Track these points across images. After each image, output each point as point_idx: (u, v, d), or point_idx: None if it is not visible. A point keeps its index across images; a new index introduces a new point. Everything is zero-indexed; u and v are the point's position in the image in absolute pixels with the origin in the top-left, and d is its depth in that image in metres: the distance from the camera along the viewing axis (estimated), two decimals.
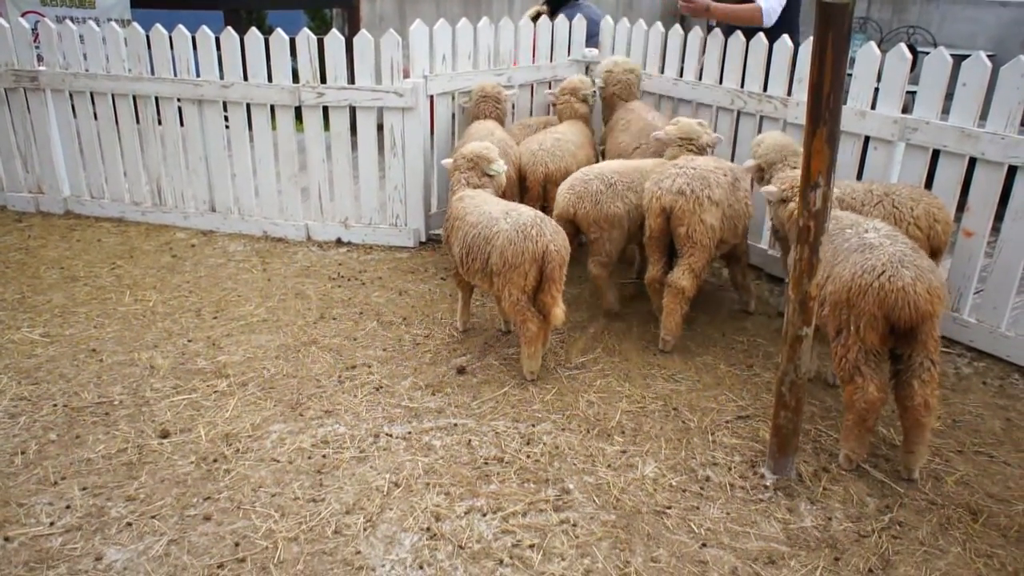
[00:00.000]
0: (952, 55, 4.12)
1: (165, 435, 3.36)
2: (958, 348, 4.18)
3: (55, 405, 3.57)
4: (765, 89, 4.92)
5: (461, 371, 3.88)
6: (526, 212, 3.75)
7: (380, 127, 5.23)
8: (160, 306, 4.56)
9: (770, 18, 5.18)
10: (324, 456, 3.25)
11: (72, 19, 7.35)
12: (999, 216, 4.02)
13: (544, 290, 3.66)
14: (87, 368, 3.88)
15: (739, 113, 5.07)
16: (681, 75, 5.44)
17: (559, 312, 3.67)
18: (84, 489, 3.03)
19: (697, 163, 4.10)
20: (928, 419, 3.00)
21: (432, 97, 5.24)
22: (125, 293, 4.71)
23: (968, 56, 4.03)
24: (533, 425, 3.46)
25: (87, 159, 5.88)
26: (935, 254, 3.86)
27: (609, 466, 3.20)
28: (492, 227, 3.71)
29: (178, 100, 5.47)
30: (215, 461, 3.21)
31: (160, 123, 5.60)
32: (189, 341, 4.17)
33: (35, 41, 5.70)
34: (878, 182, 4.12)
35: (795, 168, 3.93)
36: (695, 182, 3.96)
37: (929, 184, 4.24)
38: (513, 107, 5.72)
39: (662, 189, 4.00)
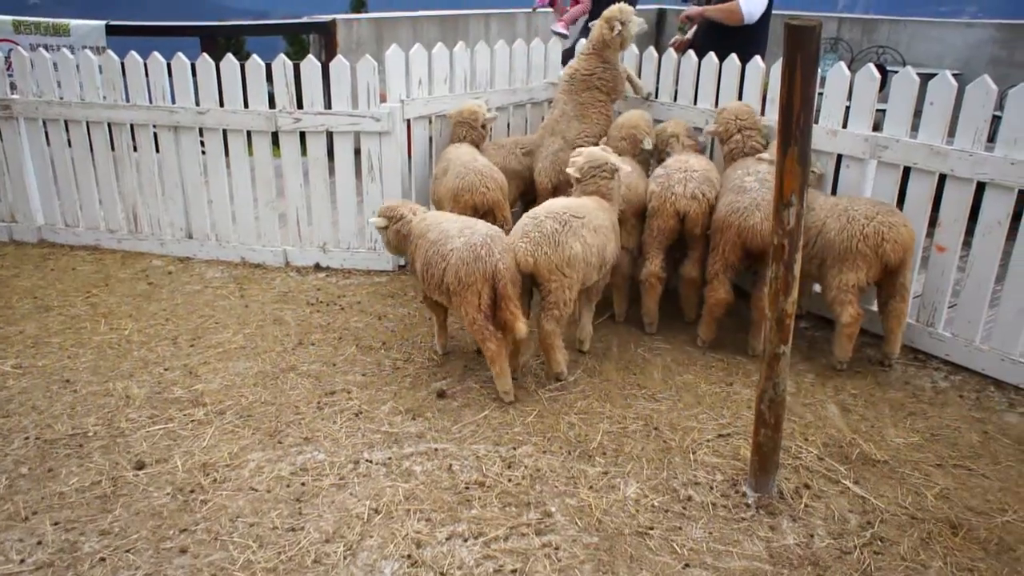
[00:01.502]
0: (920, 74, 4.20)
1: (140, 466, 3.31)
2: (935, 362, 4.22)
3: (27, 438, 3.50)
4: None
5: (441, 395, 3.86)
6: (480, 230, 3.78)
7: (358, 151, 5.23)
8: (136, 335, 4.50)
9: (751, 16, 5.37)
10: (303, 484, 3.21)
11: (46, 47, 7.31)
12: (970, 231, 4.07)
13: (501, 308, 3.67)
14: (60, 399, 3.81)
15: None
16: (656, 96, 5.50)
17: (521, 327, 3.65)
18: (56, 524, 2.97)
19: (693, 164, 4.43)
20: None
21: (409, 121, 5.25)
22: (100, 322, 4.65)
23: (935, 75, 4.11)
24: (514, 448, 3.44)
25: (61, 187, 5.83)
26: (892, 271, 3.94)
27: (591, 488, 3.18)
28: (447, 245, 3.74)
29: (153, 127, 5.45)
30: (192, 492, 3.16)
31: (135, 150, 5.57)
32: (165, 370, 4.11)
33: (8, 70, 5.67)
34: (850, 197, 4.19)
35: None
36: (704, 185, 4.31)
37: (901, 200, 4.30)
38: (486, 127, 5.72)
39: (676, 194, 4.28)
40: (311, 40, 8.77)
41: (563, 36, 6.90)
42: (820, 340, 4.51)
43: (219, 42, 8.44)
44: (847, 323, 3.99)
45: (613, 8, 5.25)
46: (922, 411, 3.79)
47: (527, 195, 5.61)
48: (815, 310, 4.77)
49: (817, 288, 4.66)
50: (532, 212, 3.93)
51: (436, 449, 3.44)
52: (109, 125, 5.53)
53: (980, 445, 3.52)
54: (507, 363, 3.76)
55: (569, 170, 4.22)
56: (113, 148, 5.62)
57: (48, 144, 5.73)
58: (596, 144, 5.07)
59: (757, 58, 4.90)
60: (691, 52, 5.24)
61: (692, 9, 5.71)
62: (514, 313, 3.66)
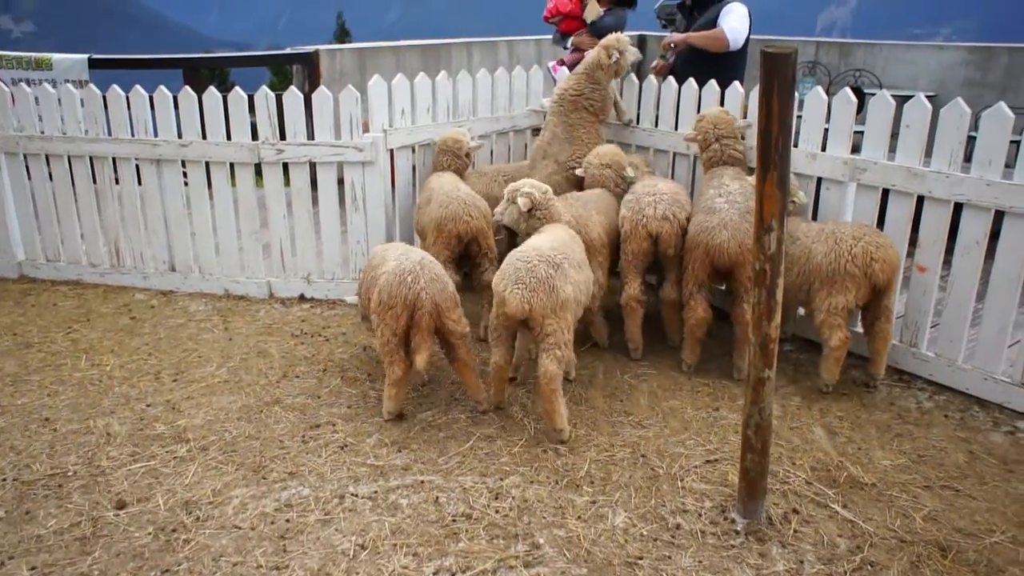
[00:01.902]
0: (896, 96, 4.27)
1: (121, 506, 3.25)
2: (919, 382, 4.23)
3: (4, 479, 3.44)
4: None
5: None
6: (414, 257, 3.85)
7: (341, 181, 5.24)
8: (117, 370, 4.45)
9: (736, 42, 5.44)
10: (288, 520, 3.16)
11: (28, 81, 7.30)
12: (950, 250, 4.11)
13: (412, 336, 3.71)
14: (39, 438, 3.75)
15: (695, 158, 5.16)
16: (637, 122, 5.55)
17: (420, 360, 3.68)
18: (33, 569, 2.90)
19: (661, 187, 4.46)
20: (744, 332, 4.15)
21: (392, 151, 5.26)
22: (81, 358, 4.60)
23: (911, 97, 4.17)
24: (501, 479, 3.41)
25: (42, 222, 5.79)
26: (880, 292, 3.98)
27: (579, 518, 3.15)
28: (380, 268, 3.88)
29: (135, 160, 5.44)
30: (174, 531, 3.10)
31: (117, 183, 5.55)
32: (148, 406, 4.06)
33: None
34: (834, 221, 4.23)
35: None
36: (674, 207, 4.36)
37: (881, 222, 4.34)
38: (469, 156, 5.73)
39: (647, 216, 4.31)
40: (294, 71, 8.80)
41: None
42: (805, 363, 4.52)
43: (202, 74, 8.44)
44: (836, 346, 4.00)
45: (611, 37, 5.36)
46: (908, 432, 3.79)
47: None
48: (800, 333, 4.79)
49: (801, 311, 4.68)
50: (521, 254, 3.74)
51: (422, 481, 3.40)
52: (91, 159, 5.51)
53: (966, 465, 3.53)
54: (404, 390, 3.88)
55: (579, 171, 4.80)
56: (95, 181, 5.60)
57: (29, 178, 5.70)
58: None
59: (736, 83, 4.96)
60: (671, 78, 5.30)
61: (674, 36, 5.76)
62: (419, 344, 3.69)
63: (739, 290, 4.23)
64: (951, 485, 3.38)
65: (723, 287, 4.60)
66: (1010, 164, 3.84)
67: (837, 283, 3.98)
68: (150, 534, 3.08)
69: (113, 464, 3.55)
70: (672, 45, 5.78)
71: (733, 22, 5.41)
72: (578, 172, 5.10)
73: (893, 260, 3.96)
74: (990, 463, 3.54)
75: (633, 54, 5.33)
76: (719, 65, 5.34)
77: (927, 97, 4.37)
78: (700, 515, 3.17)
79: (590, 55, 5.41)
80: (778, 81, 2.66)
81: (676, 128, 5.26)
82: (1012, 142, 3.89)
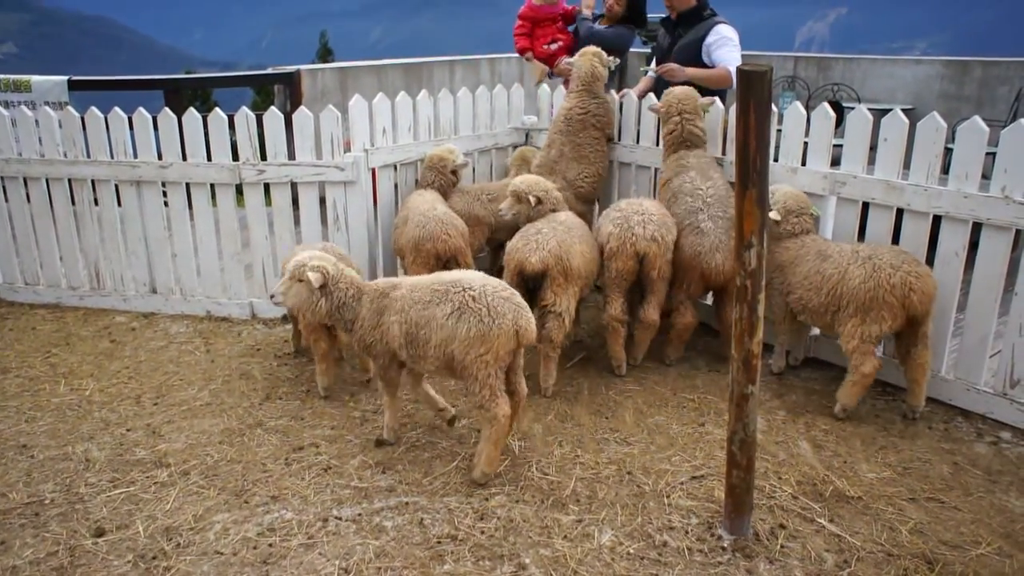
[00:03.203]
0: (874, 109, 4.31)
1: (100, 533, 3.19)
2: (903, 394, 4.24)
3: None
4: None
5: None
6: (318, 249, 4.13)
7: (323, 200, 5.22)
8: (97, 394, 4.39)
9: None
10: (270, 545, 3.12)
11: (7, 103, 7.25)
12: (930, 261, 4.13)
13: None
14: (16, 466, 3.69)
15: None
16: (619, 138, 5.57)
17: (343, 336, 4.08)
18: None
19: (648, 207, 4.46)
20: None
21: (374, 170, 5.25)
22: (60, 383, 4.53)
23: (889, 110, 4.21)
24: (486, 499, 3.38)
25: (20, 245, 5.73)
26: (915, 322, 3.87)
27: (565, 537, 3.13)
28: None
29: (115, 181, 5.40)
30: (154, 558, 3.05)
31: (97, 204, 5.51)
32: (128, 430, 4.01)
33: None
34: (869, 244, 4.16)
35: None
36: (662, 228, 4.37)
37: (862, 234, 4.37)
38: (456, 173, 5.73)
39: (636, 235, 4.31)
40: (276, 91, 8.80)
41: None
42: (789, 375, 4.53)
43: (184, 94, 8.43)
44: (868, 373, 3.89)
45: (591, 49, 5.39)
46: (893, 444, 3.80)
47: (493, 241, 5.62)
48: (809, 353, 4.72)
49: (815, 332, 4.65)
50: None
51: (407, 503, 3.37)
52: (70, 181, 5.47)
53: (951, 477, 3.53)
54: (332, 364, 4.31)
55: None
56: (74, 203, 5.55)
57: (6, 201, 5.64)
58: (596, 182, 5.39)
59: (717, 99, 5.00)
60: (651, 95, 5.32)
61: (672, 68, 5.39)
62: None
63: (728, 299, 4.52)
64: (936, 497, 3.39)
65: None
66: (987, 175, 3.88)
67: (873, 311, 3.84)
68: (129, 562, 3.03)
69: (92, 491, 3.49)
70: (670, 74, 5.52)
71: (734, 60, 5.27)
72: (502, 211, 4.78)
73: (931, 291, 3.84)
74: (974, 474, 3.55)
75: (613, 62, 5.41)
76: (724, 88, 5.35)
77: (904, 110, 4.42)
78: (687, 532, 3.15)
79: (582, 69, 5.34)
80: (754, 99, 2.68)
81: (657, 144, 5.28)
82: (988, 154, 3.93)
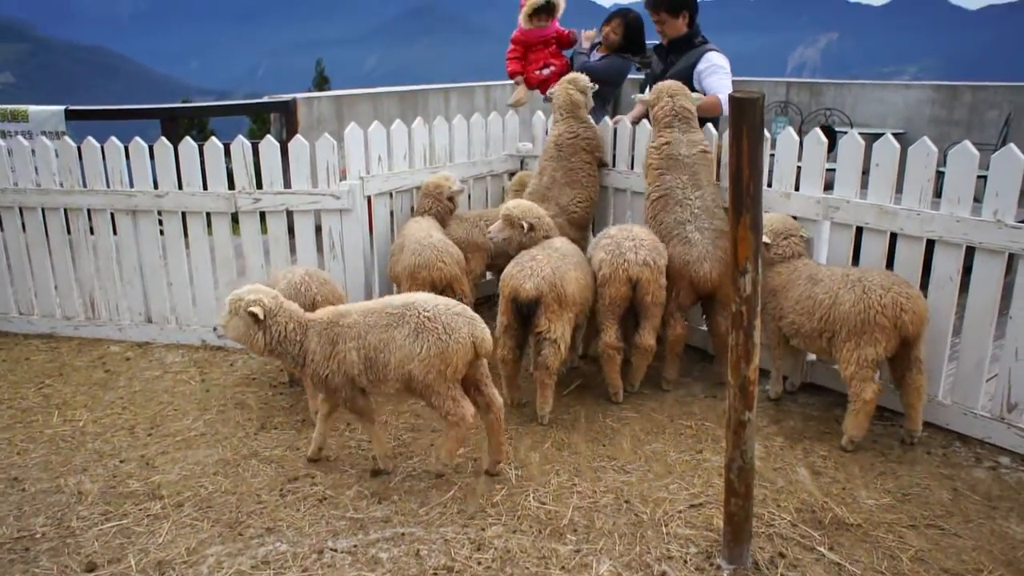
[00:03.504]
0: (866, 134, 4.34)
1: (91, 568, 3.15)
2: (900, 419, 4.22)
3: None
4: None
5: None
6: (299, 272, 4.35)
7: (319, 228, 5.23)
8: (91, 425, 4.36)
9: (727, 107, 5.35)
10: None
11: (4, 133, 7.28)
12: (924, 285, 4.14)
13: None
14: (7, 499, 3.64)
15: None
16: (613, 165, 5.60)
17: None
18: None
19: (638, 233, 4.50)
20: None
21: (370, 198, 5.27)
22: (53, 414, 4.50)
23: (881, 135, 4.25)
24: (483, 529, 3.35)
25: (15, 274, 5.71)
26: (908, 343, 3.86)
27: (563, 568, 3.09)
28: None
29: (111, 210, 5.40)
30: None
31: (92, 233, 5.51)
32: (121, 462, 3.97)
33: None
34: (860, 267, 4.19)
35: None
36: (654, 253, 4.41)
37: (856, 259, 4.38)
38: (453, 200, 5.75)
39: (628, 261, 4.31)
40: (272, 119, 8.85)
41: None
42: (786, 401, 4.51)
43: (181, 123, 8.47)
44: (869, 400, 3.85)
45: (573, 74, 5.44)
46: (892, 470, 3.78)
47: (492, 268, 5.63)
48: (805, 379, 4.71)
49: (811, 357, 4.65)
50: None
51: (403, 534, 3.33)
52: (65, 210, 5.47)
53: (951, 503, 3.51)
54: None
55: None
56: (69, 231, 5.55)
57: (1, 230, 5.64)
58: (589, 207, 5.43)
59: (709, 125, 5.04)
60: (645, 121, 5.36)
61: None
62: None
63: (716, 307, 4.65)
64: (937, 524, 3.36)
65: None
66: (979, 199, 3.91)
67: (866, 334, 3.83)
68: None
69: (83, 524, 3.45)
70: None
71: (724, 87, 5.31)
72: (490, 233, 4.80)
73: (922, 311, 3.85)
74: (974, 500, 3.53)
75: (592, 88, 5.44)
76: (715, 116, 5.38)
77: (895, 134, 4.46)
78: (686, 561, 3.12)
79: (561, 96, 5.39)
80: (747, 125, 2.70)
81: None
82: (979, 177, 3.96)
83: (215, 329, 3.71)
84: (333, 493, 3.65)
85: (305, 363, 3.62)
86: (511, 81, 6.78)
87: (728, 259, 4.48)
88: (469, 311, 3.59)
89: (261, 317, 3.53)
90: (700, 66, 5.44)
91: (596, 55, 6.26)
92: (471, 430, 3.58)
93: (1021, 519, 3.39)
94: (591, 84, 5.45)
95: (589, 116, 5.45)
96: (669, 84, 5.00)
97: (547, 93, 6.38)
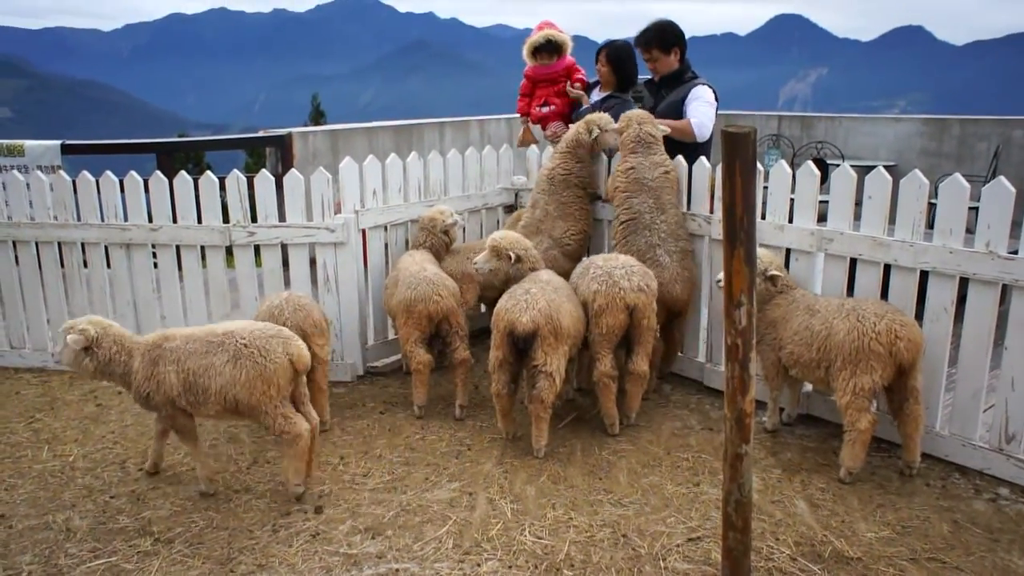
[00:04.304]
0: (859, 166, 4.38)
1: None
2: (898, 450, 4.20)
3: None
4: (688, 207, 5.12)
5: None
6: (282, 295, 4.51)
7: (313, 261, 5.23)
8: (81, 460, 4.30)
9: (702, 133, 5.40)
10: None
11: (1, 168, 7.29)
12: (919, 317, 4.15)
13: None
14: None
15: None
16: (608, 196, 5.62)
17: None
18: None
19: (625, 260, 4.57)
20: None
21: (364, 231, 5.28)
22: (43, 449, 4.44)
23: (873, 167, 4.28)
24: (478, 565, 3.30)
25: (7, 308, 5.68)
26: (904, 371, 3.85)
27: None
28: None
29: (105, 244, 5.39)
30: None
31: (86, 267, 5.49)
32: (111, 497, 3.91)
33: None
34: (854, 297, 4.20)
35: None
36: (646, 278, 4.49)
37: (851, 290, 4.39)
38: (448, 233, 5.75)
39: (623, 288, 4.34)
40: (268, 153, 8.89)
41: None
42: (783, 433, 4.49)
43: (177, 157, 8.51)
44: (865, 429, 3.83)
45: (594, 115, 5.46)
46: (891, 502, 3.75)
47: (485, 300, 5.62)
48: (802, 410, 4.70)
49: (808, 388, 4.64)
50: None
51: (397, 570, 3.28)
52: (59, 244, 5.47)
53: (951, 536, 3.48)
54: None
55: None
56: (63, 266, 5.53)
57: None
58: (583, 240, 5.49)
59: (703, 159, 5.08)
60: None
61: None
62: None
63: (676, 321, 5.08)
64: (937, 557, 3.33)
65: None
66: (971, 229, 3.93)
67: (862, 362, 3.82)
68: None
69: (71, 562, 3.38)
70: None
71: (700, 114, 5.39)
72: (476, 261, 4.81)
73: (917, 338, 3.85)
74: (975, 532, 3.50)
75: (613, 138, 5.31)
76: (687, 141, 5.44)
77: (887, 167, 4.50)
78: None
79: (571, 131, 5.47)
80: (739, 160, 2.72)
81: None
82: (971, 208, 3.99)
83: (53, 355, 3.93)
84: (326, 528, 3.60)
85: (129, 383, 3.81)
86: (505, 116, 6.83)
87: (692, 277, 5.03)
88: (285, 331, 3.81)
89: (78, 348, 3.73)
90: (688, 98, 5.53)
91: (597, 93, 6.24)
92: (309, 444, 3.76)
93: (1023, 552, 3.35)
94: (602, 129, 5.36)
95: (590, 157, 5.47)
96: (637, 112, 5.24)
97: (546, 133, 6.42)
